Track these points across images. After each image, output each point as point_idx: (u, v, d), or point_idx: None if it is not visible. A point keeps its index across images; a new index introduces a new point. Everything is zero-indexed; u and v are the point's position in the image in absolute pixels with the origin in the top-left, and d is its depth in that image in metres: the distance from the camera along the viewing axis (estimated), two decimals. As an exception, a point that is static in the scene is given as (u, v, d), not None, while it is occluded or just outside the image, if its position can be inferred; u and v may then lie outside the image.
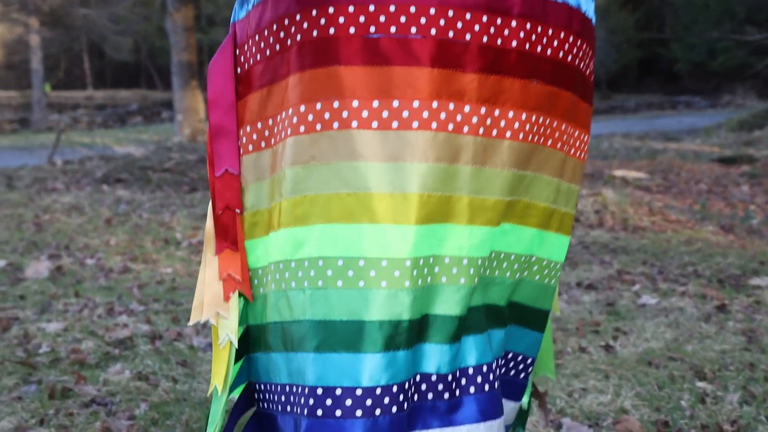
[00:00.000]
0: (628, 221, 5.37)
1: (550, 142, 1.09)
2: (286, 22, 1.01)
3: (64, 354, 2.74)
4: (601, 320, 3.17)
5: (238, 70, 1.10)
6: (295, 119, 1.01)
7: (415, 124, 0.96)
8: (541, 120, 1.06)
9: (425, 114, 0.97)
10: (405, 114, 0.96)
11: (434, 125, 0.97)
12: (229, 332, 1.08)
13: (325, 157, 0.98)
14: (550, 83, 1.06)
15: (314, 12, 0.98)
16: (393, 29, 0.96)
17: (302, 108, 0.99)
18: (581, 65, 1.11)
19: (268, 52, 1.05)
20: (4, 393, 2.36)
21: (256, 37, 1.06)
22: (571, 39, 1.08)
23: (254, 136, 1.09)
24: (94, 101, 31.78)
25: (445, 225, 1.01)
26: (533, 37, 1.02)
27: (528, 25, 1.02)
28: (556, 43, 1.05)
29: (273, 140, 1.06)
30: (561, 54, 1.06)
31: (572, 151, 1.15)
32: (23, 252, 4.65)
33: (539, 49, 1.03)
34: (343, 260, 0.98)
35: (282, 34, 1.02)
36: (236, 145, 1.10)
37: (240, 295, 1.11)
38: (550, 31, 1.04)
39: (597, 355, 2.74)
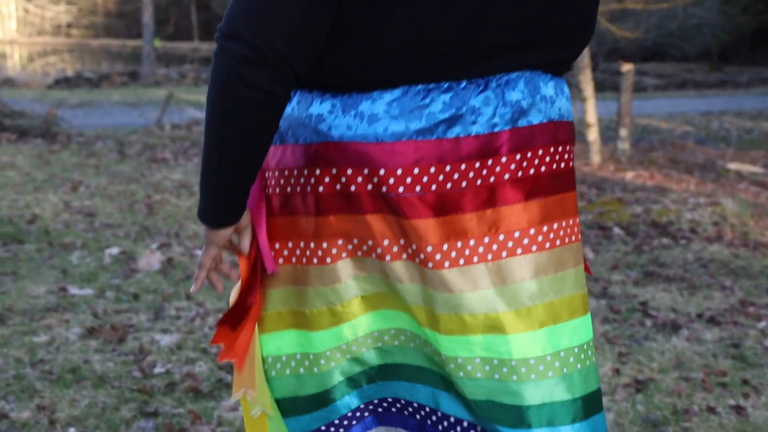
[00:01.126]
0: (748, 235, 5.10)
1: (574, 238, 1.22)
2: (306, 172, 1.18)
3: (178, 377, 2.76)
4: (728, 368, 3.00)
5: (267, 191, 1.24)
6: (343, 253, 1.19)
7: (430, 265, 1.14)
8: (555, 226, 1.19)
9: (438, 257, 1.14)
10: (422, 256, 1.14)
11: (447, 264, 1.14)
12: (262, 407, 1.25)
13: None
14: (552, 194, 1.19)
15: (334, 170, 1.15)
16: (401, 189, 1.13)
17: (340, 241, 1.18)
18: (571, 165, 1.24)
19: (288, 189, 1.20)
20: (122, 427, 2.38)
21: (276, 173, 1.21)
22: (560, 149, 1.21)
23: (285, 252, 1.23)
24: (200, 53, 32.28)
25: (497, 336, 1.15)
26: (524, 164, 1.16)
27: (518, 156, 1.16)
28: (548, 158, 1.19)
29: (315, 260, 1.20)
30: (555, 166, 1.20)
31: (574, 237, 1.24)
32: (135, 238, 4.72)
33: (532, 171, 1.17)
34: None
35: (302, 180, 1.19)
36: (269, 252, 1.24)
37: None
38: (540, 152, 1.18)
39: (727, 418, 2.59)
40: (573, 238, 1.22)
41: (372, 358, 1.26)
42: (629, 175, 7.33)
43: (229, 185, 1.15)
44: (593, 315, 3.57)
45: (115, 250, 4.38)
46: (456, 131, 1.14)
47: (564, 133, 1.22)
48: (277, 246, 1.23)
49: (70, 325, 3.23)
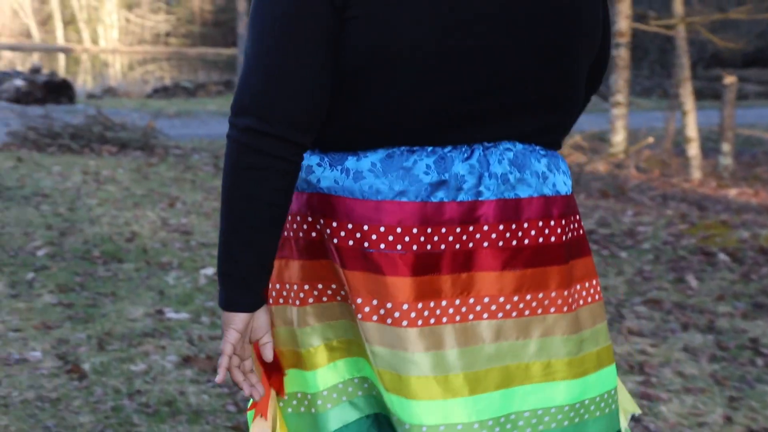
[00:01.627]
0: None
1: (552, 310, 1.22)
2: (299, 218, 1.24)
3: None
4: None
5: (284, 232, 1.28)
6: (324, 297, 1.25)
7: (405, 323, 1.16)
8: (528, 297, 1.21)
9: (412, 314, 1.16)
10: (396, 314, 1.16)
11: (419, 322, 1.17)
12: None
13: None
14: (530, 266, 1.21)
15: (321, 221, 1.21)
16: (382, 246, 1.17)
17: (320, 285, 1.24)
18: (569, 236, 1.25)
19: (300, 234, 1.25)
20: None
21: (289, 218, 1.25)
22: (552, 223, 1.23)
23: (273, 293, 1.28)
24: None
25: (448, 401, 1.17)
26: (507, 234, 1.19)
27: (501, 227, 1.19)
28: (534, 232, 1.21)
29: (297, 301, 1.26)
30: (542, 240, 1.21)
31: (582, 302, 1.27)
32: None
33: (515, 242, 1.20)
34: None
35: (295, 226, 1.25)
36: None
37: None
38: (526, 225, 1.20)
39: None
40: (552, 310, 1.23)
41: (364, 403, 1.28)
42: (732, 192, 7.06)
43: (245, 266, 1.19)
44: (700, 350, 3.41)
45: (210, 271, 4.42)
46: (440, 195, 1.17)
47: (559, 207, 1.24)
48: (270, 286, 1.28)
49: (167, 352, 3.26)
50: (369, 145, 1.19)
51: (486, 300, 1.19)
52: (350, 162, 1.19)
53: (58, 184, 6.81)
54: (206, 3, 44.15)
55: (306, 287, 1.25)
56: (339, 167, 1.20)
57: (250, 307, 1.21)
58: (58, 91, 15.58)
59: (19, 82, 15.58)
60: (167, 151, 8.95)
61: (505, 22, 1.16)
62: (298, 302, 1.25)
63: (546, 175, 1.23)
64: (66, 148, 8.75)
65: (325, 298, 1.24)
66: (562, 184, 1.26)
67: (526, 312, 1.21)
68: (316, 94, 1.15)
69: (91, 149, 8.76)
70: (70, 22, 53.07)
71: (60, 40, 51.63)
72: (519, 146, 1.22)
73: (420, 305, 1.16)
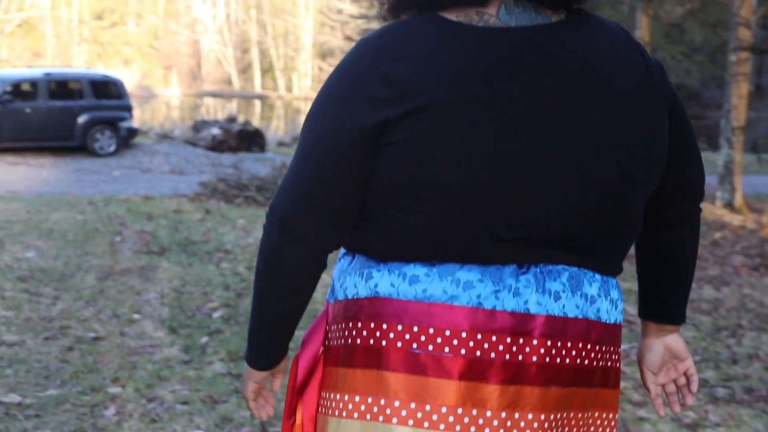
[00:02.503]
0: None
1: (566, 430, 1.24)
2: (350, 324, 1.26)
3: None
4: None
5: (326, 342, 1.32)
6: (355, 413, 1.24)
7: (442, 426, 1.17)
8: (559, 416, 1.22)
9: (450, 418, 1.17)
10: (434, 417, 1.17)
11: (458, 428, 1.17)
12: None
13: None
14: (568, 386, 1.22)
15: (372, 324, 1.22)
16: (430, 347, 1.17)
17: (356, 398, 1.23)
18: (600, 364, 1.26)
19: (342, 342, 1.27)
20: None
21: (334, 326, 1.30)
22: (589, 347, 1.24)
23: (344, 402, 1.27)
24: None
25: None
26: (553, 351, 1.20)
27: (548, 342, 1.19)
28: (574, 353, 1.22)
29: (336, 412, 1.27)
30: (579, 361, 1.23)
31: (593, 429, 1.29)
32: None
33: (558, 360, 1.20)
34: None
35: (346, 333, 1.26)
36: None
37: None
38: (569, 344, 1.21)
39: None
40: (595, 430, 1.29)
41: None
42: None
43: (269, 337, 1.32)
44: None
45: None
46: (493, 303, 1.18)
47: (597, 333, 1.25)
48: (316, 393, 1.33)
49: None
50: (422, 259, 1.21)
51: (530, 416, 1.19)
52: (408, 267, 1.21)
53: (240, 239, 6.97)
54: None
55: (346, 397, 1.26)
56: (396, 272, 1.22)
57: (268, 368, 1.36)
58: (250, 139, 16.30)
59: (215, 131, 16.44)
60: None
61: (553, 153, 1.16)
62: (341, 413, 1.27)
63: (594, 299, 1.24)
64: (252, 200, 9.03)
65: (369, 416, 1.23)
66: (605, 311, 1.26)
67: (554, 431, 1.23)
68: (338, 212, 1.21)
69: (275, 202, 8.99)
70: (267, 70, 56.03)
71: (257, 87, 54.56)
72: (574, 268, 1.23)
73: (460, 410, 1.17)
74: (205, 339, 4.28)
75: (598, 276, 1.25)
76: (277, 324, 1.31)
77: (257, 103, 44.98)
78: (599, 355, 1.26)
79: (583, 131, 1.17)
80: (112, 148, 14.66)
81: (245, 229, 7.42)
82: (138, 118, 26.32)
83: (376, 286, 1.23)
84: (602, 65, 1.20)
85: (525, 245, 1.19)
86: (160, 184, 11.46)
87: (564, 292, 1.20)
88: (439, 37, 1.16)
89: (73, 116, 14.46)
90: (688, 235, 1.42)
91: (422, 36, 1.17)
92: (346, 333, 1.27)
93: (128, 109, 15.17)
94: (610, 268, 1.27)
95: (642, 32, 10.81)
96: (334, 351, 1.29)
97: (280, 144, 19.38)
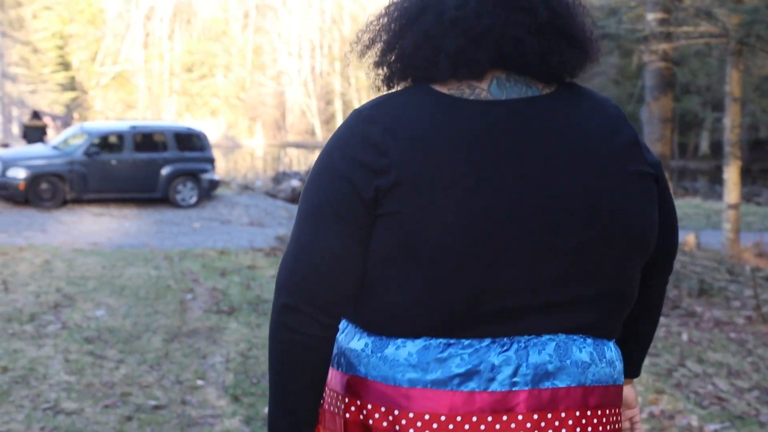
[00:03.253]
0: None
1: None
2: (340, 397, 1.29)
3: None
4: None
5: (324, 405, 1.32)
6: None
7: None
8: None
9: None
10: None
11: None
12: None
13: None
14: None
15: (358, 402, 1.26)
16: (411, 431, 1.19)
17: None
18: (603, 427, 1.24)
19: (331, 408, 1.30)
20: None
21: (331, 392, 1.32)
22: (589, 413, 1.22)
23: None
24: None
25: None
26: (542, 424, 1.19)
27: (535, 416, 1.18)
28: (571, 422, 1.20)
29: None
30: (578, 429, 1.21)
31: None
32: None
33: (550, 431, 1.19)
34: None
35: (338, 403, 1.29)
36: None
37: None
38: (563, 414, 1.20)
39: None
40: None
41: None
42: None
43: (284, 421, 1.25)
44: None
45: None
46: (471, 386, 1.18)
47: (596, 398, 1.23)
48: None
49: None
50: (407, 332, 1.22)
51: None
52: (390, 349, 1.23)
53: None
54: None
55: None
56: (379, 354, 1.24)
57: None
58: (329, 192, 16.29)
59: (295, 183, 16.53)
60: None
61: (540, 223, 1.17)
62: None
63: (587, 365, 1.23)
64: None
65: None
66: (603, 374, 1.25)
67: None
68: (342, 281, 1.22)
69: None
70: (349, 121, 56.51)
71: (339, 138, 55.01)
72: (562, 336, 1.22)
73: None
74: (266, 409, 4.10)
75: (590, 340, 1.24)
76: (292, 408, 1.25)
77: (339, 154, 45.27)
78: (603, 419, 1.25)
79: (570, 202, 1.19)
80: (194, 200, 14.84)
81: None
82: (221, 168, 26.82)
83: (359, 365, 1.26)
84: (591, 137, 1.23)
85: (509, 316, 1.19)
86: (238, 236, 11.48)
87: (551, 362, 1.20)
88: (430, 110, 1.20)
89: (156, 168, 14.73)
90: (655, 301, 1.45)
91: (413, 107, 1.21)
92: (338, 403, 1.30)
93: (210, 161, 15.37)
94: (603, 332, 1.27)
95: (732, 86, 10.39)
96: (329, 416, 1.31)
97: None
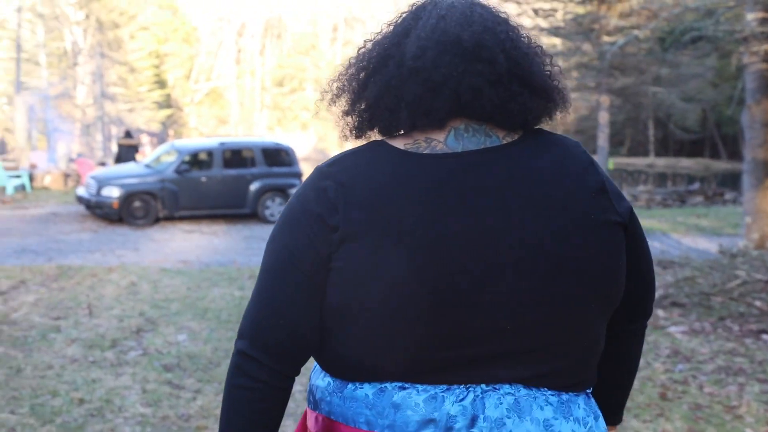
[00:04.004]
0: None
1: None
2: None
3: None
4: None
5: None
6: None
7: None
8: None
9: None
10: None
11: None
12: None
13: None
14: None
15: None
16: None
17: None
18: None
19: None
20: None
21: (307, 426, 1.36)
22: None
23: None
24: (655, 169, 31.43)
25: None
26: None
27: None
28: None
29: None
30: None
31: None
32: None
33: None
34: None
35: None
36: None
37: None
38: None
39: None
40: None
41: None
42: None
43: None
44: None
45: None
46: None
47: None
48: None
49: None
50: (362, 378, 1.23)
51: None
52: (348, 390, 1.25)
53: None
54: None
55: None
56: (339, 394, 1.26)
57: None
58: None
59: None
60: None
61: (491, 274, 1.16)
62: None
63: (550, 423, 1.20)
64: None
65: None
66: (570, 431, 1.21)
67: None
68: (299, 331, 1.24)
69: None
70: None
71: (428, 147, 54.96)
72: (522, 391, 1.20)
73: None
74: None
75: (553, 398, 1.22)
76: None
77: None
78: None
79: (526, 253, 1.18)
80: (282, 215, 14.84)
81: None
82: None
83: (322, 403, 1.30)
84: (551, 186, 1.22)
85: (466, 367, 1.19)
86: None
87: (509, 418, 1.19)
88: (382, 166, 1.22)
89: (245, 184, 14.84)
90: (634, 348, 1.44)
91: (366, 165, 1.23)
92: None
93: (298, 175, 15.41)
94: (566, 383, 1.24)
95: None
96: None
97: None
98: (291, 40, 67.27)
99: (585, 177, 1.24)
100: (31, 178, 19.75)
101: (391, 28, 1.31)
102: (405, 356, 1.19)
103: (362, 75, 1.31)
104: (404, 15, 1.32)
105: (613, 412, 1.47)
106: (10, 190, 17.92)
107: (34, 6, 39.03)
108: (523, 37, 1.29)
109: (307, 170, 16.15)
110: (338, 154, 1.29)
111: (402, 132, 1.27)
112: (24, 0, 38.12)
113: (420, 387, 1.19)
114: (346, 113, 1.34)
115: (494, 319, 1.17)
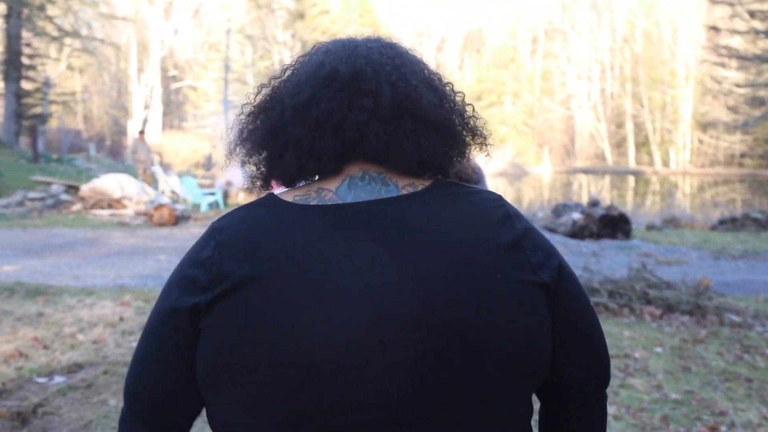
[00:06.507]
0: None
1: None
2: None
3: None
4: None
5: None
6: None
7: None
8: None
9: None
10: None
11: None
12: None
13: None
14: None
15: None
16: None
17: None
18: None
19: None
20: None
21: None
22: None
23: None
24: None
25: None
26: None
27: None
28: None
29: None
30: None
31: None
32: None
33: None
34: None
35: None
36: None
37: None
38: None
39: None
40: None
41: None
42: None
43: None
44: None
45: None
46: None
47: None
48: None
49: None
50: None
51: None
52: None
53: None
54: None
55: None
56: None
57: None
58: (614, 225, 15.03)
59: (576, 215, 15.44)
60: (722, 317, 7.36)
61: (372, 335, 1.08)
62: None
63: None
64: (603, 308, 7.78)
65: None
66: None
67: None
68: (172, 396, 1.18)
69: (630, 309, 7.65)
70: (642, 144, 53.99)
71: (631, 162, 52.64)
72: None
73: None
74: None
75: None
76: None
77: (631, 179, 43.19)
78: None
79: (412, 315, 1.08)
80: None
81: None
82: (506, 198, 26.29)
83: None
84: (450, 241, 1.13)
85: (355, 430, 1.10)
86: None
87: None
88: (263, 220, 1.17)
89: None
90: (591, 424, 1.30)
91: (249, 220, 1.18)
92: None
93: (486, 193, 14.76)
94: None
95: None
96: None
97: (650, 228, 17.67)
98: (490, 53, 66.82)
99: (496, 232, 1.16)
100: (226, 195, 20.30)
101: (289, 70, 1.27)
102: (289, 422, 1.09)
103: (253, 121, 1.26)
104: (300, 56, 1.29)
105: None
106: (204, 208, 18.46)
107: (243, 28, 41.00)
108: (421, 72, 1.23)
109: (503, 185, 15.44)
110: (229, 211, 1.23)
111: (302, 183, 1.22)
112: (233, 23, 40.09)
113: None
114: (243, 163, 1.29)
115: (379, 384, 1.08)
